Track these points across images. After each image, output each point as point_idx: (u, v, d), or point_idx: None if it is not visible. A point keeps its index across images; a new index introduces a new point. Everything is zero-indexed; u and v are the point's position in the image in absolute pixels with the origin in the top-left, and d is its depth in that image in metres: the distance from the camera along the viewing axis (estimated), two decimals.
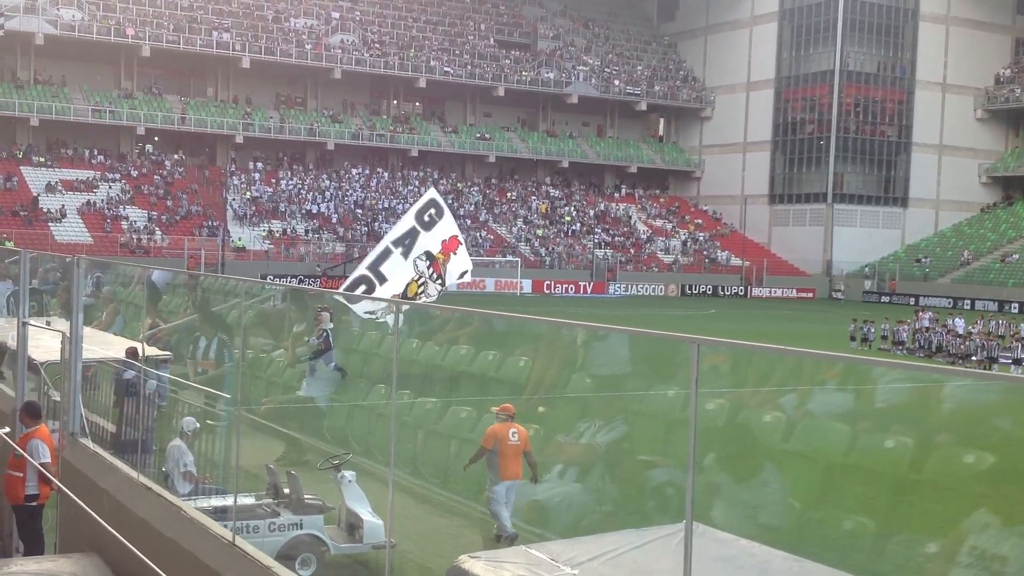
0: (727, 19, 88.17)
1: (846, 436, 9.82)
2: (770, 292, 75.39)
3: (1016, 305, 64.34)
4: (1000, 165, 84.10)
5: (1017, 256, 73.38)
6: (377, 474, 11.25)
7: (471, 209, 76.95)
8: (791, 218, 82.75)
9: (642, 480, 10.03)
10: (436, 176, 79.78)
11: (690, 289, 73.56)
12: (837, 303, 71.30)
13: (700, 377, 4.59)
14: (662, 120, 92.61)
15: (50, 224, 61.34)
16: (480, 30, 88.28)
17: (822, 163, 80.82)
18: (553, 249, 74.60)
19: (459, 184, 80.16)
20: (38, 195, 63.47)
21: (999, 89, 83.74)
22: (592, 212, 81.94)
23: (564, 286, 70.19)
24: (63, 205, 63.36)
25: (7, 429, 11.34)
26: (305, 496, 10.53)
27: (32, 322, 12.55)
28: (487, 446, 11.18)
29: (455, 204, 76.21)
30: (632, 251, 77.59)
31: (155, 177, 69.98)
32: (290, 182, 73.63)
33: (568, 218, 79.83)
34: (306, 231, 68.56)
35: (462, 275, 14.91)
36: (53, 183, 65.21)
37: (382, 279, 13.85)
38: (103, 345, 12.83)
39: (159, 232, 63.96)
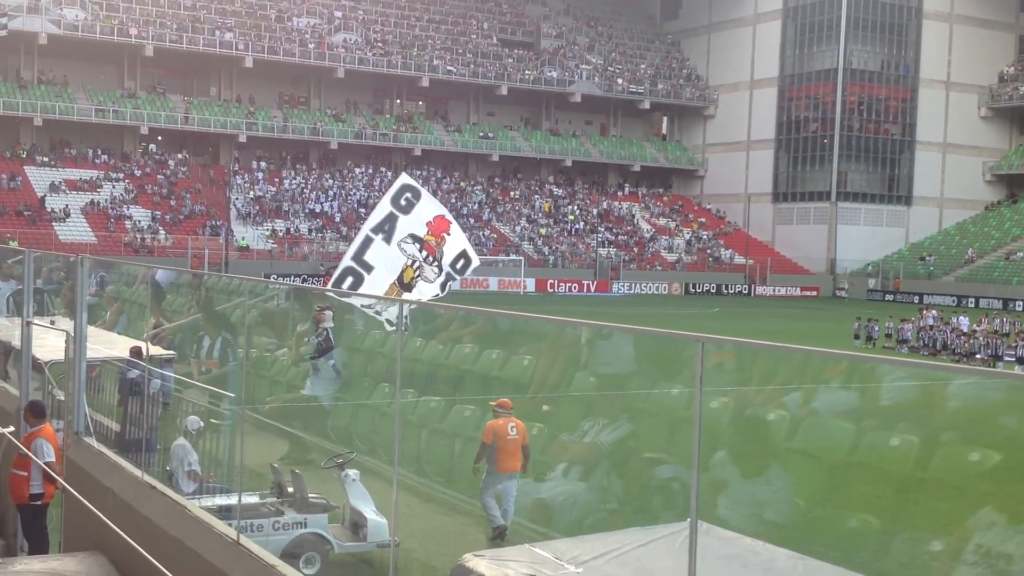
0: (730, 17, 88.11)
1: (851, 434, 9.81)
2: (774, 291, 75.34)
3: (1020, 303, 64.27)
4: (1004, 163, 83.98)
5: (1021, 254, 73.29)
6: (381, 473, 11.25)
7: (474, 208, 76.95)
8: (795, 216, 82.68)
9: (646, 479, 10.03)
10: (439, 175, 79.83)
11: (694, 288, 73.54)
12: (841, 301, 71.25)
13: (704, 375, 4.58)
14: (665, 119, 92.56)
15: (54, 224, 61.41)
16: (483, 29, 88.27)
17: (826, 161, 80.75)
18: (556, 248, 74.58)
19: (462, 183, 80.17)
20: (44, 196, 63.53)
21: (1003, 87, 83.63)
22: (595, 211, 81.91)
23: (567, 285, 70.18)
24: (67, 205, 63.44)
25: (11, 428, 11.34)
26: (309, 495, 10.54)
27: (36, 321, 12.56)
28: (487, 441, 11.28)
29: (458, 203, 76.22)
30: (636, 250, 77.57)
31: (159, 177, 70.03)
32: (293, 181, 73.66)
33: (571, 217, 79.81)
34: (309, 230, 68.60)
35: (465, 263, 14.77)
36: (57, 183, 65.29)
37: (368, 268, 13.78)
38: (107, 344, 12.83)
39: (163, 231, 64.02)
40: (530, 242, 74.67)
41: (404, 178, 14.51)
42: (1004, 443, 8.36)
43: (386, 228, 13.86)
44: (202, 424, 10.82)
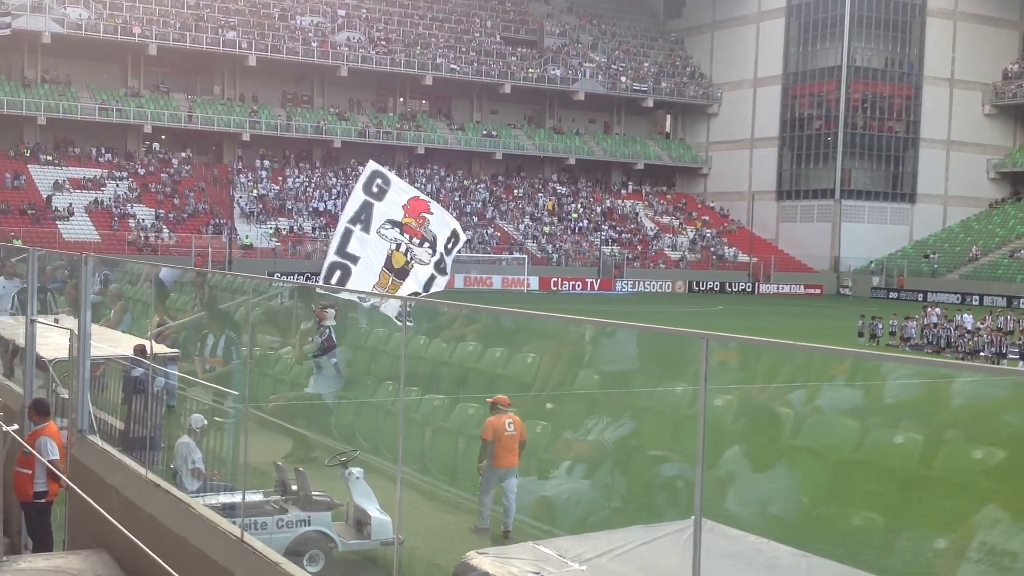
0: (734, 15, 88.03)
1: (855, 432, 9.80)
2: (778, 288, 75.28)
3: None
4: (1008, 160, 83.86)
5: None
6: (385, 471, 11.26)
7: (478, 206, 76.95)
8: (799, 214, 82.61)
9: (650, 476, 10.03)
10: (443, 173, 79.82)
11: (697, 286, 73.50)
12: (845, 299, 71.18)
13: (708, 373, 4.57)
14: (669, 117, 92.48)
15: (58, 222, 61.48)
16: (486, 27, 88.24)
17: (830, 159, 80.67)
18: (560, 246, 74.57)
19: (466, 181, 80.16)
20: (51, 195, 63.60)
21: (1007, 84, 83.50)
22: (599, 209, 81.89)
23: (571, 283, 70.17)
24: (71, 203, 63.50)
25: (16, 426, 11.35)
26: (313, 493, 10.54)
27: (40, 320, 12.57)
28: (487, 438, 11.32)
29: (462, 201, 76.24)
30: (639, 248, 77.54)
31: (162, 175, 70.08)
32: (297, 180, 73.69)
33: (575, 215, 79.78)
34: (313, 229, 68.63)
35: (455, 241, 14.69)
36: (60, 182, 65.35)
37: (353, 259, 13.77)
38: (111, 343, 12.85)
39: (166, 230, 64.06)
40: (533, 240, 74.65)
41: (372, 165, 14.46)
42: (1008, 440, 8.35)
43: (362, 218, 13.82)
44: (206, 422, 10.83)
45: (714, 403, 9.33)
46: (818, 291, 76.22)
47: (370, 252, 13.78)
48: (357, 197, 13.97)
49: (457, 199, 77.02)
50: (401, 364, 9.18)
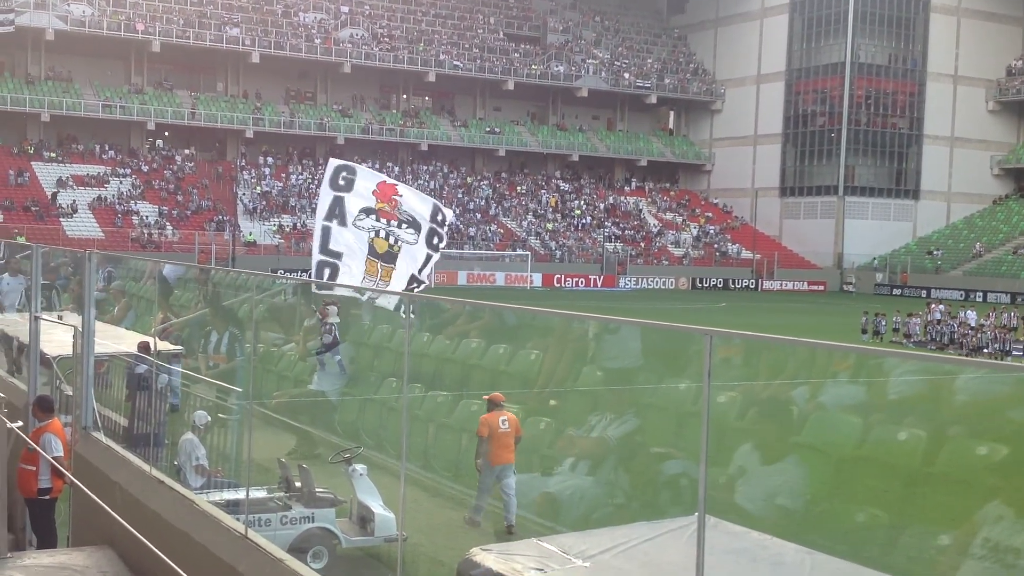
0: (737, 11, 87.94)
1: (858, 428, 9.80)
2: (781, 285, 75.23)
3: None
4: (1012, 157, 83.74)
5: None
6: (388, 467, 11.27)
7: (481, 203, 76.94)
8: (802, 211, 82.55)
9: (654, 473, 10.03)
10: (446, 170, 79.82)
11: (701, 282, 73.47)
12: (848, 296, 71.13)
13: (712, 369, 4.57)
14: (672, 113, 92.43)
15: (61, 219, 61.53)
16: (489, 24, 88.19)
17: (833, 156, 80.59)
18: (563, 243, 74.55)
19: (469, 178, 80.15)
20: (56, 193, 63.66)
21: (1011, 81, 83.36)
22: (602, 206, 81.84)
23: (574, 280, 70.15)
24: (74, 200, 63.57)
25: (20, 423, 11.36)
26: (317, 489, 10.55)
27: (44, 317, 12.59)
28: (483, 435, 11.39)
29: (465, 198, 76.25)
30: (642, 244, 77.50)
31: (165, 172, 70.13)
32: (300, 176, 73.70)
33: (578, 212, 79.76)
34: None
35: (443, 216, 14.61)
36: (64, 178, 65.42)
37: (337, 255, 13.76)
38: (115, 339, 12.87)
39: (170, 227, 64.11)
40: (537, 237, 74.63)
41: (334, 161, 14.41)
42: (1012, 437, 8.35)
43: (336, 212, 13.80)
44: (210, 419, 10.84)
45: (717, 399, 9.33)
46: (821, 288, 76.16)
47: (351, 245, 13.76)
48: (326, 194, 13.93)
49: (460, 196, 77.00)
50: (404, 361, 9.18)
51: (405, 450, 7.31)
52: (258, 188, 71.02)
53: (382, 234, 13.84)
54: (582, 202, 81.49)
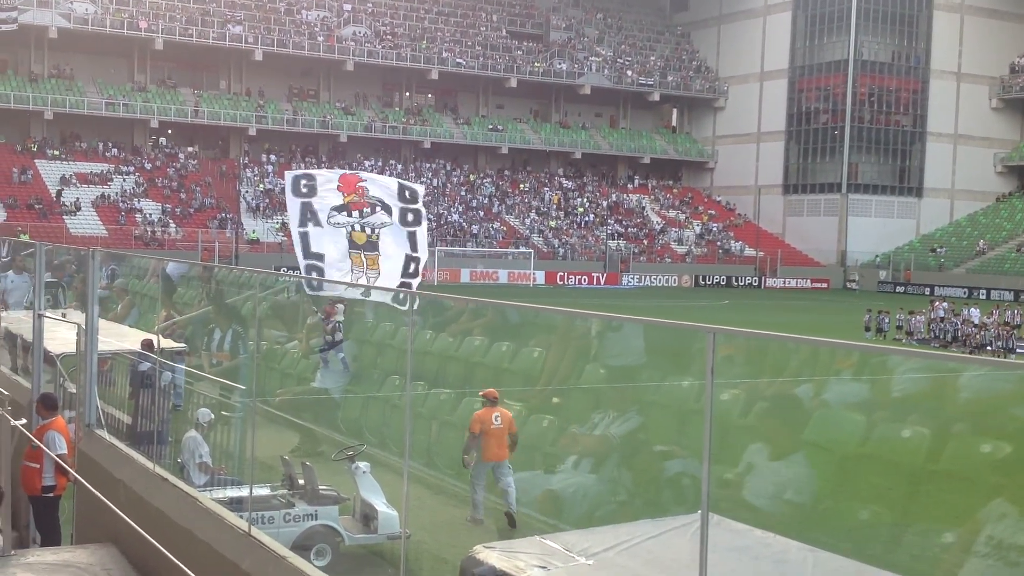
0: (740, 8, 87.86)
1: (862, 426, 9.79)
2: (784, 283, 75.21)
3: None
4: (1015, 154, 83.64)
5: None
6: (391, 465, 11.27)
7: (484, 201, 76.93)
8: (805, 208, 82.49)
9: (657, 471, 10.02)
10: (449, 168, 79.80)
11: (704, 280, 73.45)
12: (852, 293, 71.09)
13: (715, 367, 4.57)
14: (675, 110, 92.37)
15: (65, 217, 61.59)
16: (492, 21, 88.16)
17: (836, 153, 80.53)
18: (566, 240, 74.53)
19: (471, 176, 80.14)
20: (60, 191, 63.71)
21: (1014, 78, 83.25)
22: (605, 203, 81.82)
23: (577, 277, 70.15)
24: (77, 198, 63.63)
25: (24, 421, 11.38)
26: (320, 487, 10.56)
27: (48, 314, 12.60)
28: (474, 431, 11.46)
29: (468, 196, 76.27)
30: (645, 242, 77.48)
31: (169, 170, 70.17)
32: None
33: (581, 209, 79.74)
34: None
35: (412, 192, 14.58)
36: (67, 176, 65.48)
37: (321, 257, 13.77)
38: (119, 337, 12.88)
39: (173, 225, 64.16)
40: (539, 235, 74.62)
41: (289, 174, 14.38)
42: (1015, 434, 8.34)
43: (309, 216, 13.80)
44: (213, 416, 10.85)
45: (720, 397, 9.32)
46: (825, 285, 76.13)
47: (331, 243, 13.75)
48: (293, 204, 13.91)
49: (463, 193, 77.03)
50: (408, 358, 9.19)
51: (408, 448, 7.31)
52: (261, 186, 71.06)
53: (358, 227, 13.83)
54: (585, 199, 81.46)
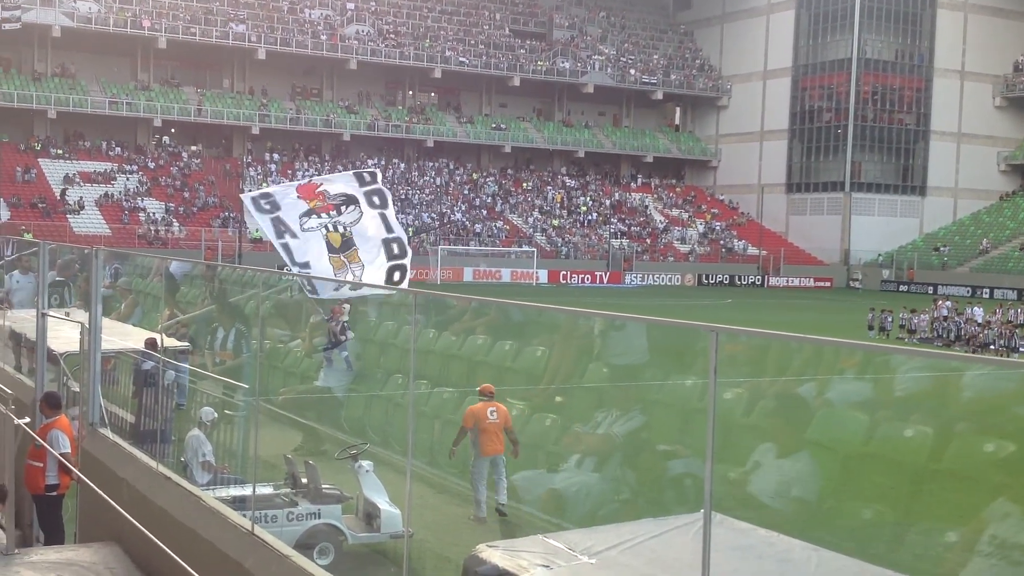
0: (744, 7, 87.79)
1: (865, 425, 9.78)
2: (787, 281, 75.16)
3: None
4: (1019, 153, 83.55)
5: None
6: (394, 464, 11.28)
7: (487, 200, 76.92)
8: (808, 207, 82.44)
9: (660, 470, 10.02)
10: (452, 167, 79.80)
11: (707, 279, 73.42)
12: (855, 292, 71.03)
13: (718, 366, 4.57)
14: (678, 109, 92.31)
15: (68, 216, 61.64)
16: (495, 20, 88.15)
17: (839, 151, 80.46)
18: (569, 239, 74.53)
19: (475, 175, 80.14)
20: (64, 190, 63.76)
21: (1018, 77, 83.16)
22: (608, 202, 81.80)
23: (580, 276, 70.14)
24: (81, 197, 63.69)
25: (27, 419, 11.40)
26: (323, 486, 10.56)
27: (52, 313, 12.62)
28: (467, 425, 11.55)
29: (471, 195, 76.26)
30: (648, 241, 77.46)
31: (172, 169, 70.23)
32: (306, 173, 73.71)
33: (584, 208, 79.72)
34: None
35: (371, 176, 14.55)
36: (71, 175, 65.53)
37: (307, 265, 13.78)
38: (122, 336, 12.89)
39: (176, 223, 64.20)
40: (543, 233, 74.62)
41: (246, 198, 14.33)
42: (1018, 433, 8.33)
43: (282, 229, 13.75)
44: (216, 415, 10.86)
45: (723, 396, 9.33)
46: (828, 284, 76.08)
47: (311, 249, 13.73)
48: (263, 221, 13.87)
49: (466, 192, 77.04)
50: (411, 357, 9.19)
51: (411, 446, 7.32)
52: (264, 184, 71.05)
53: (330, 227, 13.80)
54: (588, 198, 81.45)
